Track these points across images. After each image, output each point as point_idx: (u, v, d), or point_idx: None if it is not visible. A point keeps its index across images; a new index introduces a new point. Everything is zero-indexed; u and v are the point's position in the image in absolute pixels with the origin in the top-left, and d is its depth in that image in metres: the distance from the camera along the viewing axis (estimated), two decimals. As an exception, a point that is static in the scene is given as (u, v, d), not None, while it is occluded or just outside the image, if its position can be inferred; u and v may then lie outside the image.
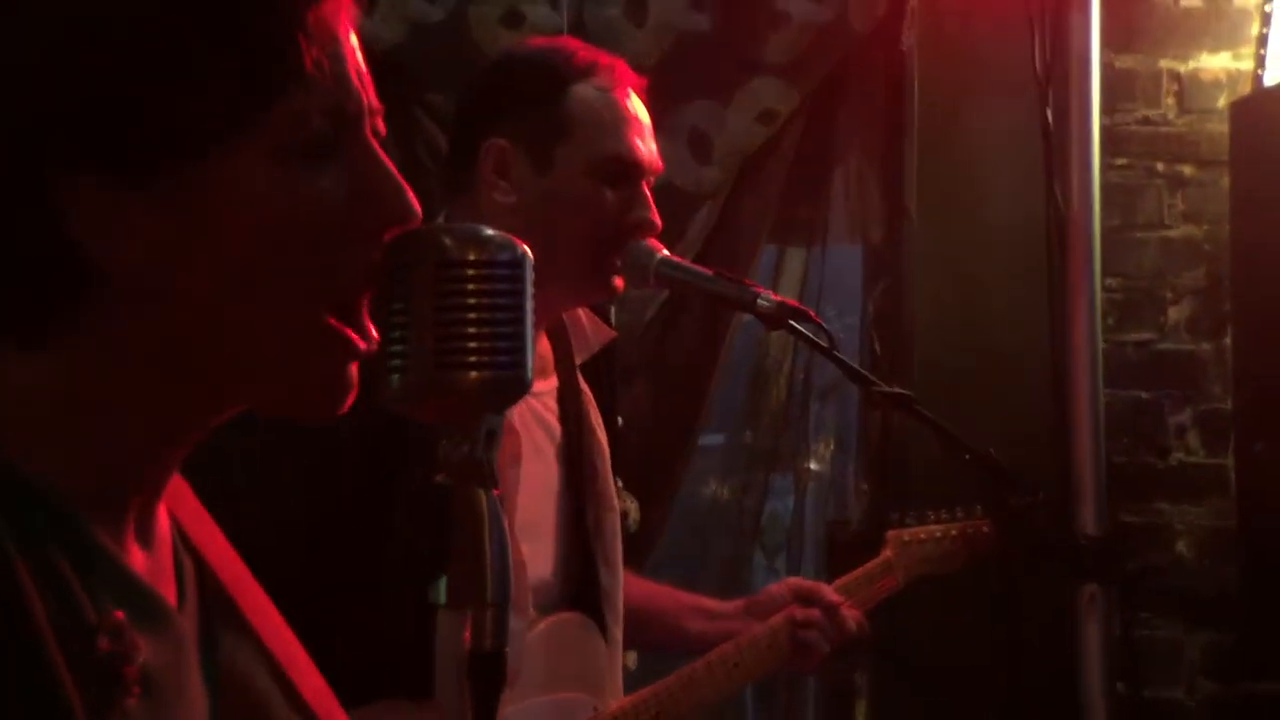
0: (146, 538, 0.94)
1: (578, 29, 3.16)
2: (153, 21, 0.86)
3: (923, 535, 2.47)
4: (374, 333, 0.92)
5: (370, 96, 0.93)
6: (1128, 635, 3.28)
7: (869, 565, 2.44)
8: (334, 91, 0.90)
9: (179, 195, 0.87)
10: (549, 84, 1.94)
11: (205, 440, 0.95)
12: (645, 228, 1.96)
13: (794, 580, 2.47)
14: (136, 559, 0.92)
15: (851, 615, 2.36)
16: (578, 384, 2.08)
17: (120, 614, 0.85)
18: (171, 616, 0.92)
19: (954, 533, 2.49)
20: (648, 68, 3.21)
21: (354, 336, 0.91)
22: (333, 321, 0.90)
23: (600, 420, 2.11)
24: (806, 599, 2.36)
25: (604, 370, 2.18)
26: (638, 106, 1.99)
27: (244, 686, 0.99)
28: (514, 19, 3.17)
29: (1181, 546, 3.43)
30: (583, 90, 1.94)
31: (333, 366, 0.91)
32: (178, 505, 1.01)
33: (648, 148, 1.99)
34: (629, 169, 1.95)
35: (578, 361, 2.07)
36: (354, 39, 0.93)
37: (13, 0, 0.87)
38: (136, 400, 0.89)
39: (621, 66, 1.99)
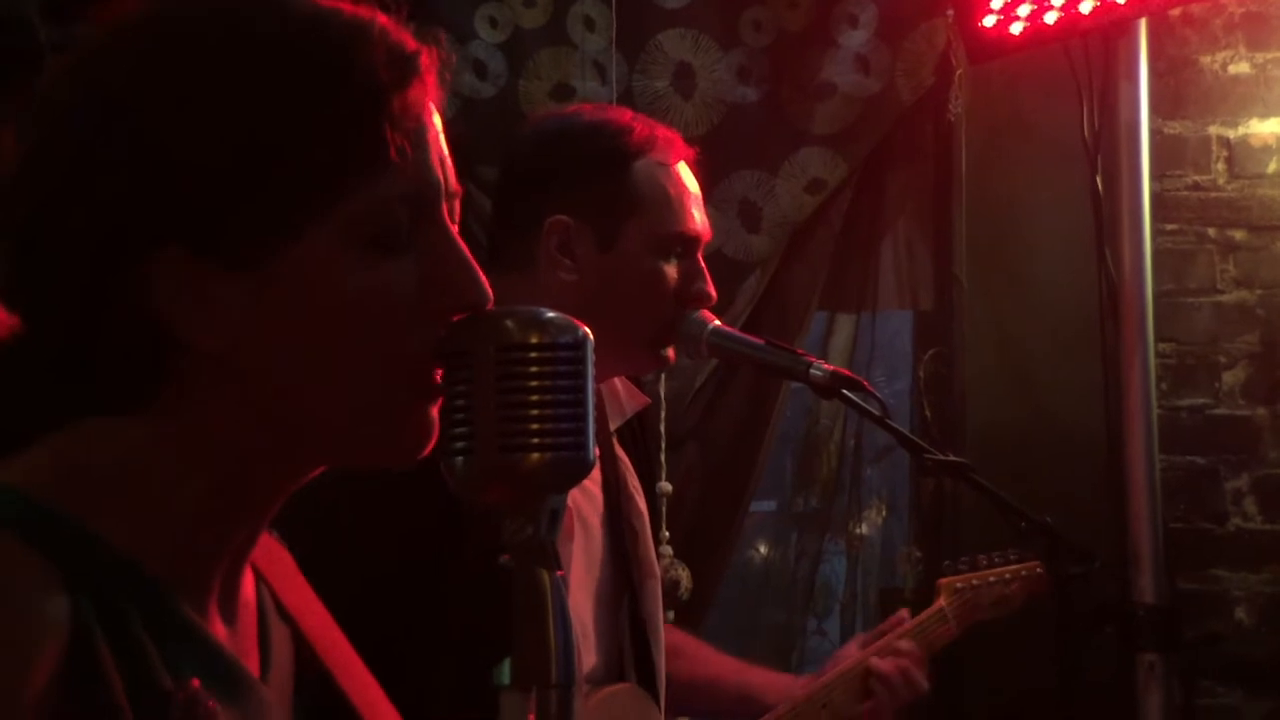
0: (230, 606, 0.96)
1: (626, 102, 3.19)
2: (244, 108, 0.88)
3: (975, 581, 2.47)
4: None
5: (450, 180, 0.95)
6: (1188, 704, 3.24)
7: (924, 615, 2.44)
8: (414, 177, 0.92)
9: (262, 275, 0.89)
10: (612, 160, 1.93)
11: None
12: (704, 299, 1.97)
13: (862, 637, 2.46)
14: (218, 627, 0.94)
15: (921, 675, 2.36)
16: (614, 450, 2.08)
17: (196, 681, 0.86)
18: (253, 685, 0.93)
19: (1008, 576, 2.48)
20: (696, 139, 3.24)
21: (424, 391, 0.93)
22: (403, 386, 0.92)
23: (638, 486, 2.12)
24: (884, 650, 2.36)
25: (639, 436, 2.19)
26: (691, 178, 2.00)
27: None
28: (563, 93, 3.21)
29: (1240, 613, 3.39)
30: (645, 166, 1.93)
31: (410, 417, 0.93)
32: (275, 573, 1.03)
33: (703, 219, 2.00)
34: (689, 243, 1.96)
35: (613, 428, 2.07)
36: (437, 122, 0.94)
37: (115, 88, 0.90)
38: (217, 469, 0.91)
39: (676, 139, 2.00)
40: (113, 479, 0.89)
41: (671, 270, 1.94)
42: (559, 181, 1.94)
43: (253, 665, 0.96)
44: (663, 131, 1.99)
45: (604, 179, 1.92)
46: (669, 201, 1.94)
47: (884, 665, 2.33)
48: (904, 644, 2.36)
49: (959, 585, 2.46)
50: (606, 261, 1.92)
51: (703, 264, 1.98)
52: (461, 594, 1.76)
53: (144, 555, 0.88)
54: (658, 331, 1.95)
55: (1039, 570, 2.46)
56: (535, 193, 1.96)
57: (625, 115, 2.02)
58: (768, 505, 3.74)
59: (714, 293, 1.99)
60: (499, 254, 1.98)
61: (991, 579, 2.47)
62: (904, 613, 2.44)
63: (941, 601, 2.45)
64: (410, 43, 0.93)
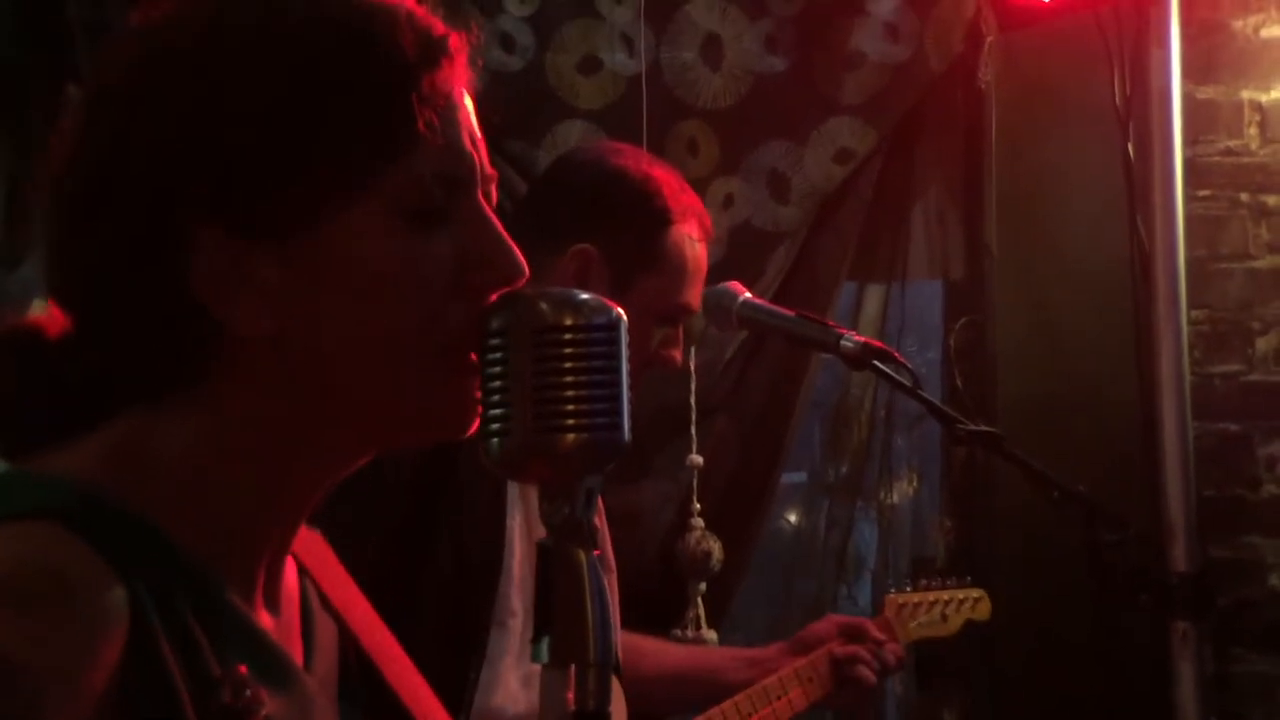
0: (273, 597, 0.97)
1: (654, 73, 3.18)
2: (277, 89, 0.90)
3: (916, 600, 2.65)
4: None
5: (483, 161, 0.96)
6: (1222, 671, 3.24)
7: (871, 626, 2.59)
8: (446, 156, 0.93)
9: (300, 254, 0.90)
10: (653, 216, 2.04)
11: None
12: (668, 365, 2.08)
13: (837, 617, 2.58)
14: (263, 617, 0.95)
15: (893, 650, 2.49)
16: None
17: (244, 668, 0.87)
18: (298, 675, 0.95)
19: (945, 598, 2.67)
20: (725, 110, 3.24)
21: (465, 367, 0.93)
22: (443, 360, 0.93)
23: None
24: (850, 635, 2.47)
25: None
26: (704, 256, 2.11)
27: None
28: (591, 65, 3.20)
29: (1274, 580, 3.38)
30: (678, 234, 2.05)
31: (450, 391, 0.94)
32: (318, 567, 1.04)
33: (699, 295, 2.12)
34: (683, 315, 2.08)
35: None
36: (468, 103, 0.96)
37: (152, 79, 0.91)
38: (262, 456, 0.92)
39: (706, 218, 2.12)
40: (159, 469, 0.91)
41: (657, 332, 2.05)
42: (598, 214, 2.04)
43: (296, 656, 0.97)
44: (699, 207, 2.10)
45: (641, 230, 2.03)
46: (684, 273, 2.05)
47: (848, 647, 2.45)
48: (871, 630, 2.50)
49: (901, 602, 2.63)
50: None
51: (681, 333, 2.09)
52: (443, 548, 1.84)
53: (191, 544, 0.89)
54: None
55: (975, 596, 2.69)
56: (571, 212, 2.06)
57: (674, 181, 2.11)
58: (798, 476, 3.74)
59: (680, 360, 2.11)
60: (521, 247, 2.05)
61: (930, 599, 2.66)
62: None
63: (888, 615, 2.61)
64: (439, 26, 0.94)
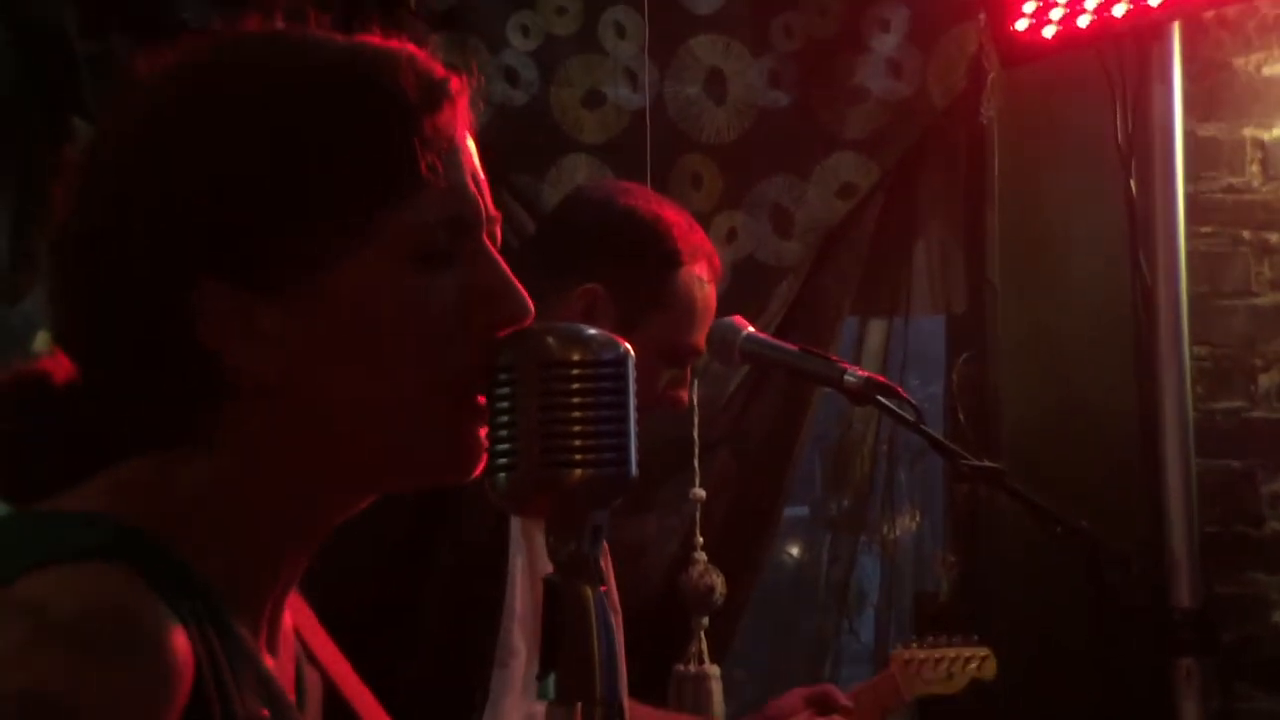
0: (274, 641, 0.97)
1: (658, 108, 3.20)
2: (275, 140, 0.90)
3: (922, 656, 2.65)
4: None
5: (487, 203, 0.96)
6: (1226, 708, 3.22)
7: (876, 680, 2.63)
8: (451, 200, 0.93)
9: (301, 301, 0.90)
10: (663, 256, 2.04)
11: None
12: (676, 405, 2.08)
13: (801, 690, 2.56)
14: (268, 660, 0.95)
15: None
16: None
17: (265, 712, 0.87)
18: (299, 718, 0.95)
19: (951, 655, 2.66)
20: (728, 144, 3.25)
21: (471, 409, 0.93)
22: (450, 402, 0.93)
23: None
24: (817, 704, 2.46)
25: None
26: (713, 298, 2.11)
27: None
28: (595, 99, 3.21)
29: (1278, 617, 3.37)
30: (688, 275, 2.05)
31: (459, 435, 0.94)
32: (301, 621, 1.04)
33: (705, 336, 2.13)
34: (691, 356, 2.07)
35: None
36: (471, 145, 0.96)
37: (152, 133, 0.92)
38: (275, 498, 0.92)
39: (715, 258, 2.12)
40: (170, 510, 0.90)
41: (664, 372, 2.04)
42: (607, 254, 2.04)
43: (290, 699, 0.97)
44: (708, 248, 2.10)
45: (650, 270, 2.03)
46: (692, 314, 2.05)
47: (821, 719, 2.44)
48: (849, 702, 2.50)
49: (907, 657, 2.64)
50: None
51: (689, 374, 2.10)
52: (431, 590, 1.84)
53: (211, 582, 0.89)
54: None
55: (982, 655, 2.68)
56: (579, 252, 2.05)
57: (683, 218, 2.11)
58: (801, 510, 3.74)
59: (687, 401, 2.11)
60: (528, 277, 2.04)
61: (937, 656, 2.66)
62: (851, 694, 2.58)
63: (893, 670, 2.62)
64: (439, 69, 0.95)
